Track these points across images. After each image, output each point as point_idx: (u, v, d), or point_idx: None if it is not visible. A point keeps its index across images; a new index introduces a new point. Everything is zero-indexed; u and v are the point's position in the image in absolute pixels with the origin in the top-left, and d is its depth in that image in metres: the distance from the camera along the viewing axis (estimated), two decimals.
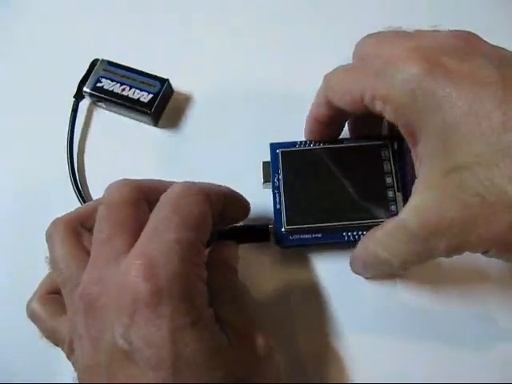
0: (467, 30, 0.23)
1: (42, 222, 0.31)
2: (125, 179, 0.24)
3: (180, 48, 0.35)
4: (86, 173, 0.32)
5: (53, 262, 0.24)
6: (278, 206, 0.28)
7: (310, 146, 0.29)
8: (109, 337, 0.20)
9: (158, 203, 0.22)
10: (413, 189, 0.22)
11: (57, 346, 0.24)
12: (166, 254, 0.20)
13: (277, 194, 0.28)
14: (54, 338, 0.24)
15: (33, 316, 0.25)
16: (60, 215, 0.25)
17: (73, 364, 0.23)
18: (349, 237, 0.27)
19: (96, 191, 0.32)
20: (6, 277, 0.30)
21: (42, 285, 0.26)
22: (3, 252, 0.31)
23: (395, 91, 0.21)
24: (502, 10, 0.34)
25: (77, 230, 0.24)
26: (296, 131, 0.29)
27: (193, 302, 0.20)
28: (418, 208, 0.21)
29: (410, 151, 0.24)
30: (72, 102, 0.33)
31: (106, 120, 0.33)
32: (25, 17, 0.37)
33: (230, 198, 0.25)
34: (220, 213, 0.24)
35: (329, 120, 0.27)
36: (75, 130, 0.32)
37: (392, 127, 0.27)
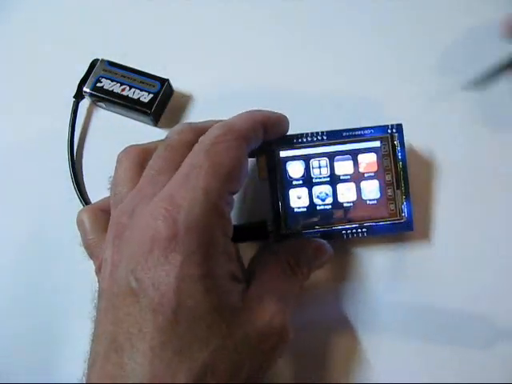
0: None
1: (43, 222, 0.31)
2: (188, 123, 0.25)
3: (180, 48, 0.35)
4: (87, 173, 0.32)
5: (113, 183, 0.24)
6: (276, 206, 0.28)
7: (308, 142, 0.29)
8: (123, 270, 0.20)
9: (195, 145, 0.22)
10: None
11: (91, 259, 0.25)
12: (191, 202, 0.20)
13: (275, 193, 0.28)
14: (90, 250, 0.25)
15: (79, 224, 0.25)
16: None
17: (98, 281, 0.23)
18: (348, 236, 0.27)
19: (96, 191, 0.31)
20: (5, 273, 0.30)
21: (99, 201, 0.26)
22: (4, 252, 0.31)
23: None
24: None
25: (142, 163, 0.24)
26: (294, 131, 0.28)
27: (207, 255, 0.20)
28: None
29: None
30: (72, 102, 0.33)
31: (106, 120, 0.33)
32: (25, 17, 0.37)
33: (272, 123, 0.26)
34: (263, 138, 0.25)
35: None
36: (75, 130, 0.32)
37: None
